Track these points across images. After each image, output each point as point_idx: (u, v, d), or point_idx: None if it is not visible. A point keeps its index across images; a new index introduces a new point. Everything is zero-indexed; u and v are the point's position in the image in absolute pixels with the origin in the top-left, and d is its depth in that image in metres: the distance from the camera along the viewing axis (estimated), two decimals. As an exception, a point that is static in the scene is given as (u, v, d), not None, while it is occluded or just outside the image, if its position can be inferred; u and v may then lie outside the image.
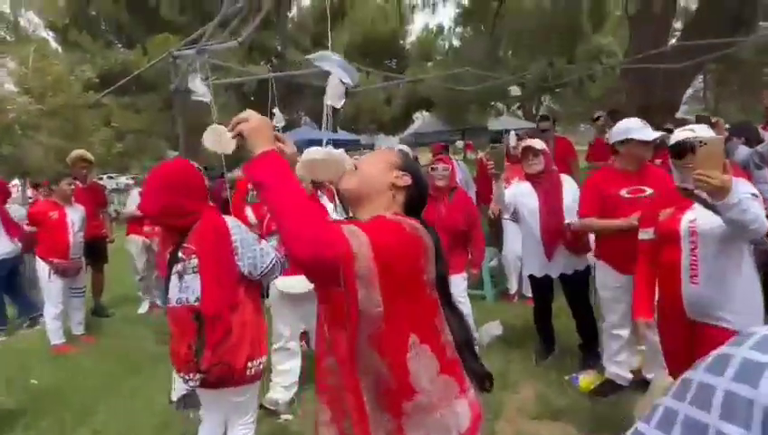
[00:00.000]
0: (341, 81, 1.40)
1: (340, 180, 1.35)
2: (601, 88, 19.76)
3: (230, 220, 2.05)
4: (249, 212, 3.49)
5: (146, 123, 16.73)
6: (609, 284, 2.99)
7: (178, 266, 2.01)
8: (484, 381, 1.37)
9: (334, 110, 1.49)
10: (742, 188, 2.01)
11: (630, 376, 3.08)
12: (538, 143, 3.36)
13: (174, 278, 2.02)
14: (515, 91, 5.79)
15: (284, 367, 3.21)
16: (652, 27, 6.51)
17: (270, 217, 3.05)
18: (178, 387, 3.33)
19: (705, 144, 1.81)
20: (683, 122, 4.18)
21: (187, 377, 1.99)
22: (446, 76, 8.55)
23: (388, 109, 24.05)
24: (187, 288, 1.98)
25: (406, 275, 1.18)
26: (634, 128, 2.81)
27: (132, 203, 5.57)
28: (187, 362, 1.96)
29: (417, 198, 1.37)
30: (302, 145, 4.86)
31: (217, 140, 2.53)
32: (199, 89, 2.31)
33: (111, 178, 20.38)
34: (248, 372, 2.00)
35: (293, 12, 24.70)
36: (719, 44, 5.25)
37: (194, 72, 2.37)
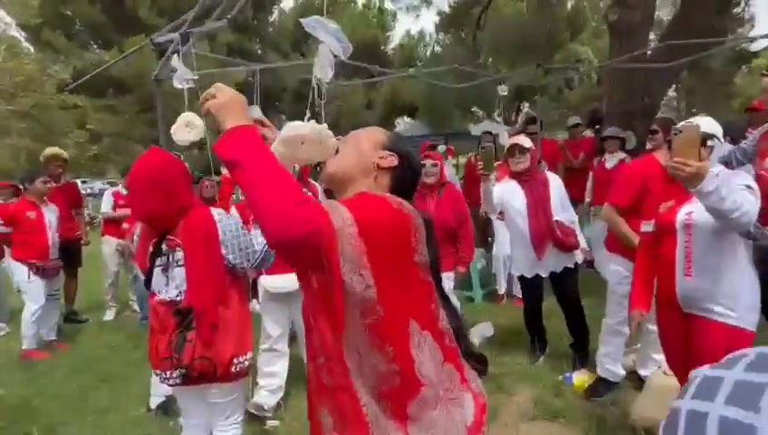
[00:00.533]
0: (333, 52, 1.27)
1: (325, 166, 1.23)
2: (578, 95, 20.18)
3: (216, 212, 1.99)
4: (234, 212, 3.36)
5: (123, 126, 16.30)
6: (623, 277, 2.88)
7: (162, 259, 1.94)
8: (480, 362, 1.30)
9: (316, 113, 1.32)
10: (737, 180, 2.01)
11: (623, 373, 3.05)
12: (525, 141, 3.32)
13: (157, 272, 1.96)
14: (503, 90, 5.77)
15: (271, 369, 3.09)
16: (632, 35, 6.66)
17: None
18: (157, 393, 3.19)
19: (681, 132, 1.83)
20: (670, 121, 4.23)
21: (165, 375, 1.90)
22: (434, 73, 8.48)
23: (370, 113, 24.01)
24: (171, 282, 1.93)
25: (396, 254, 1.08)
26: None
27: (107, 204, 5.37)
28: (165, 358, 1.88)
29: (406, 181, 1.27)
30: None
31: (187, 128, 2.39)
32: (182, 71, 2.17)
33: (85, 182, 19.80)
34: (233, 369, 1.93)
35: (274, 16, 24.59)
36: (705, 44, 5.38)
37: (176, 54, 2.23)
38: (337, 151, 1.24)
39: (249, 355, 2.03)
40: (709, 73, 17.67)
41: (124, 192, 5.38)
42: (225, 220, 1.96)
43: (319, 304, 1.10)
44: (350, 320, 1.06)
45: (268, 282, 2.97)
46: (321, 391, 1.24)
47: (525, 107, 22.04)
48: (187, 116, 2.19)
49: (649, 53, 6.53)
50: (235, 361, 1.93)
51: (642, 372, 3.01)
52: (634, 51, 6.10)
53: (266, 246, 1.99)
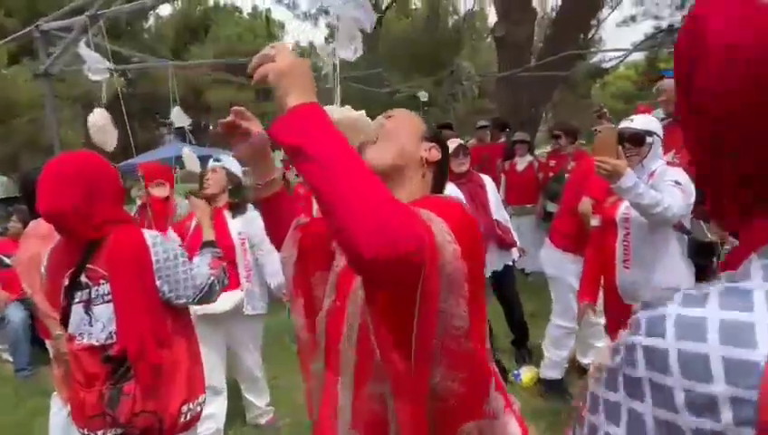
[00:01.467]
0: (354, 22, 1.04)
1: (365, 151, 1.03)
2: (463, 107, 21.62)
3: (149, 234, 1.66)
4: (171, 233, 2.88)
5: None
6: (567, 269, 2.96)
7: (83, 295, 1.59)
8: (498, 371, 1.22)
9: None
10: (670, 175, 2.15)
11: (565, 365, 3.14)
12: (460, 141, 3.36)
13: (77, 310, 1.60)
14: (423, 96, 5.94)
15: (206, 411, 2.67)
16: (516, 49, 7.39)
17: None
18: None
19: (600, 133, 1.98)
20: (568, 125, 4.62)
21: None
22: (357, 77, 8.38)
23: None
24: (96, 322, 1.59)
25: (476, 272, 0.94)
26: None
27: None
28: (95, 415, 1.55)
29: (441, 179, 1.12)
30: (168, 162, 4.33)
31: (102, 130, 1.98)
32: (93, 60, 1.74)
33: None
34: (183, 419, 1.66)
35: (150, 22, 22.75)
36: (583, 54, 6.06)
37: (80, 41, 1.79)
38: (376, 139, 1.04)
39: (201, 398, 1.76)
40: (572, 87, 19.98)
41: None
42: (161, 245, 1.63)
43: (390, 331, 0.90)
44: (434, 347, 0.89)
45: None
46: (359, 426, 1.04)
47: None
48: (104, 117, 1.80)
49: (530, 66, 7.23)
50: (185, 409, 1.66)
51: (583, 361, 3.17)
52: (519, 63, 6.76)
53: (211, 279, 1.71)
